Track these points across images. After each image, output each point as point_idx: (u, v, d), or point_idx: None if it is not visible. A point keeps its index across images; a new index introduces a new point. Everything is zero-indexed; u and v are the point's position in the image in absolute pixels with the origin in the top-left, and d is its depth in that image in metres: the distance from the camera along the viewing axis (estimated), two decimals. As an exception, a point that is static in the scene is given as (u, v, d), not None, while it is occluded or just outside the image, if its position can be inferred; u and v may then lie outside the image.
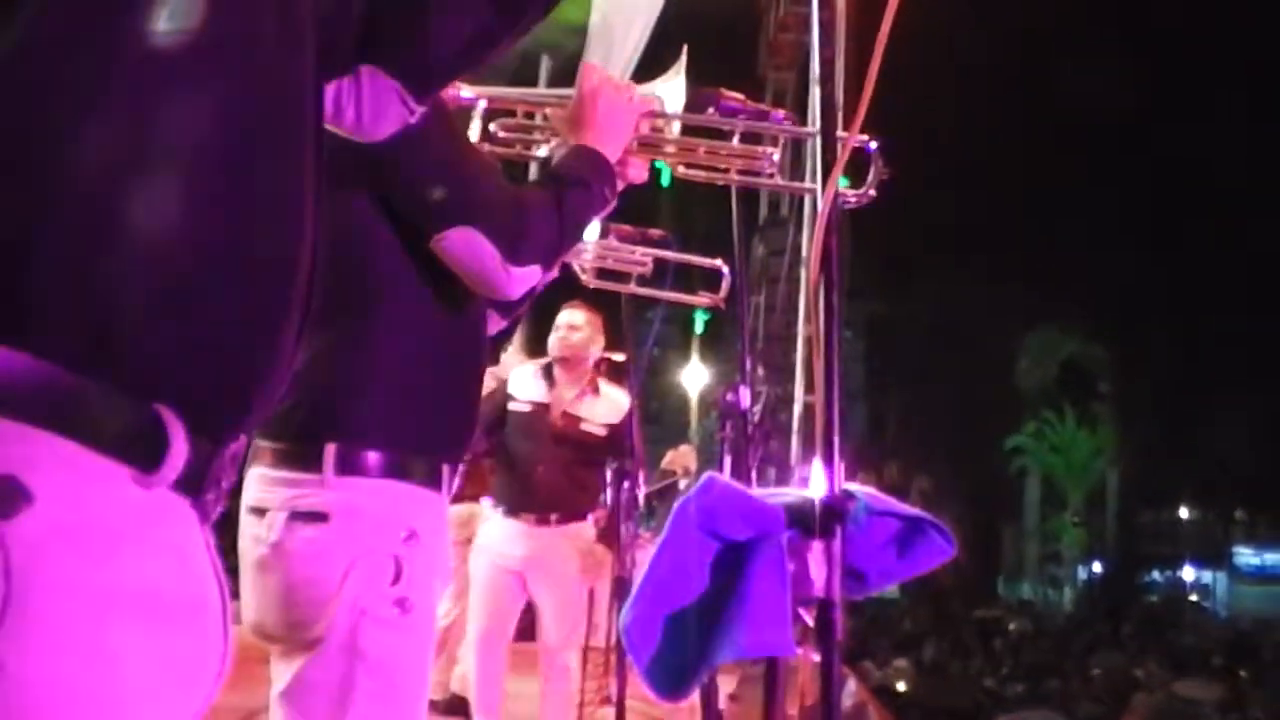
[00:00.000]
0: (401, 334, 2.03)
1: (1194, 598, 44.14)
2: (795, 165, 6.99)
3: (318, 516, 1.91)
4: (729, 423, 2.43)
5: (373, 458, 1.95)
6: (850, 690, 5.55)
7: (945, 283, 36.94)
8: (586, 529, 5.37)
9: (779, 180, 2.30)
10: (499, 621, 5.24)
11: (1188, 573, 45.16)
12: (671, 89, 2.38)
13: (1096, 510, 43.32)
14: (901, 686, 20.00)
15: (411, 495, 1.98)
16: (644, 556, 10.35)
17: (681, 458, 11.95)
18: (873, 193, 2.33)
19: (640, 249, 3.10)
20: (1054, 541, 43.85)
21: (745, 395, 2.41)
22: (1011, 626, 31.41)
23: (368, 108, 1.46)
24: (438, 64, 1.51)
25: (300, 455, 1.93)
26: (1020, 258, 38.55)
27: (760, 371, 12.69)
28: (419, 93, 1.50)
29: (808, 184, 2.34)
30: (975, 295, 36.69)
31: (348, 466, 1.94)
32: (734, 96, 2.45)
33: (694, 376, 26.80)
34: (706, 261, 3.09)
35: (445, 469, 2.05)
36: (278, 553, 1.91)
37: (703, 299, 3.08)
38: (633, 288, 3.15)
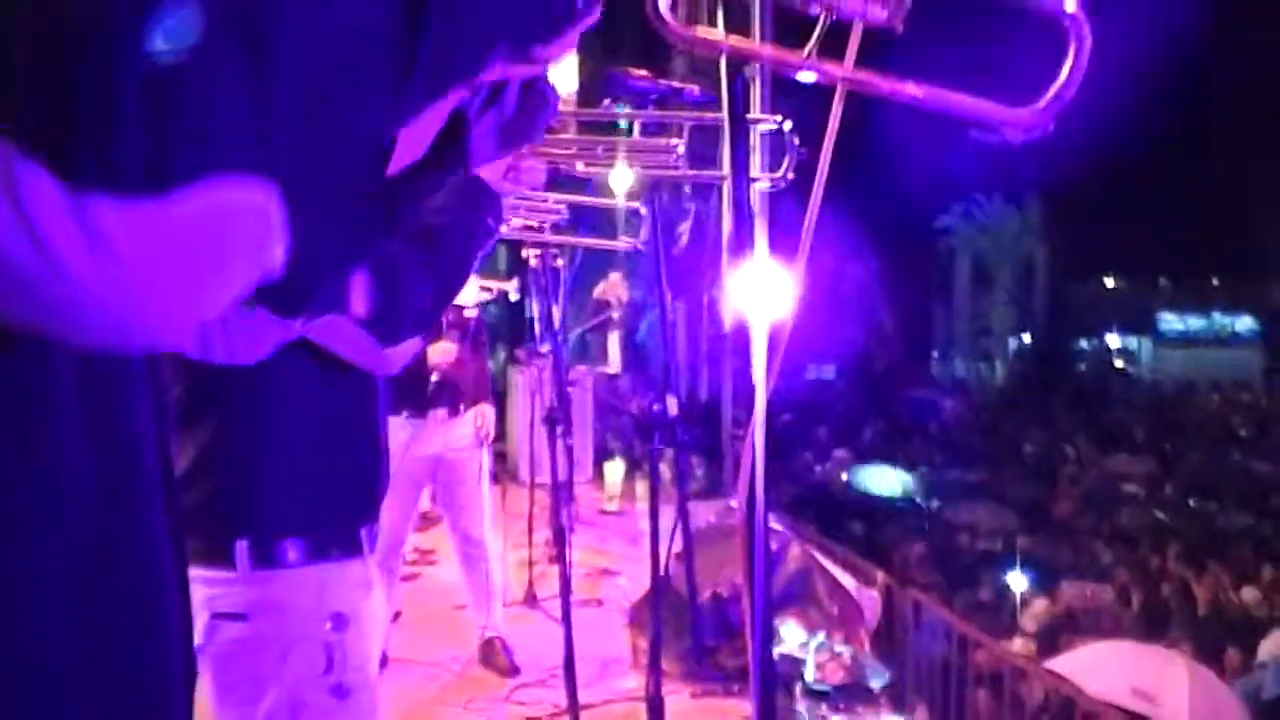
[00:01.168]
0: (290, 415, 1.91)
1: (1120, 364, 45.36)
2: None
3: (237, 616, 1.85)
4: (658, 434, 2.34)
5: (286, 547, 1.88)
6: (794, 554, 5.66)
7: (866, 66, 36.53)
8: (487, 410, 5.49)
9: (687, 171, 2.19)
10: (405, 524, 5.28)
11: (1113, 340, 46.25)
12: (562, 73, 2.23)
13: (1025, 286, 43.96)
14: (844, 478, 20.54)
15: (333, 576, 1.91)
16: (579, 388, 10.43)
17: (613, 287, 11.93)
18: (790, 175, 2.25)
19: (553, 196, 2.97)
20: (984, 318, 44.58)
21: (673, 405, 2.33)
22: (947, 407, 32.18)
23: (240, 337, 1.26)
24: (307, 281, 1.14)
25: (213, 553, 1.84)
26: (945, 46, 38.10)
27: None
28: (289, 314, 1.27)
29: (720, 171, 2.24)
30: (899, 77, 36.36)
31: (262, 560, 1.86)
32: (642, 75, 2.32)
33: (620, 178, 26.46)
34: (625, 204, 2.98)
35: (363, 531, 1.99)
36: (202, 656, 1.84)
37: (622, 243, 3.00)
38: (547, 236, 3.02)
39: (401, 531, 5.24)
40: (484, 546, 5.48)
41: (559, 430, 3.99)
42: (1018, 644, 9.32)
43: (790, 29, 1.16)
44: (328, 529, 1.92)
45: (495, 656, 5.47)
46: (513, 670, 5.42)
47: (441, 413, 5.28)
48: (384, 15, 0.73)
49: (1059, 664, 8.22)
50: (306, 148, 0.71)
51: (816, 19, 1.13)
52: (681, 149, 2.15)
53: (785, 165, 2.26)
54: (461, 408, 5.38)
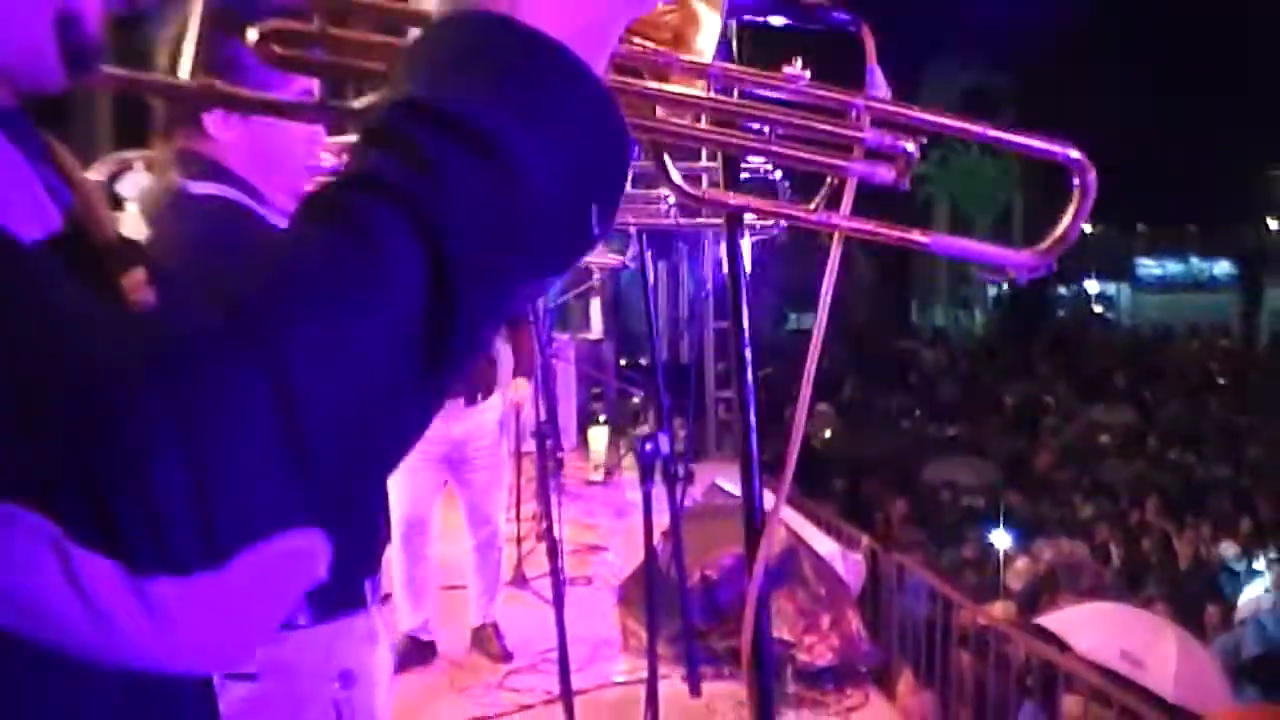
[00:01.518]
0: None
1: (1099, 309, 45.54)
2: None
3: (246, 675, 1.88)
4: (651, 476, 2.35)
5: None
6: (780, 535, 5.70)
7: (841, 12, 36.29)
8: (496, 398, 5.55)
9: (679, 220, 2.20)
10: (428, 506, 5.31)
11: (1092, 286, 46.39)
12: None
13: (1003, 232, 43.98)
14: (827, 434, 20.61)
15: (340, 633, 1.95)
16: (562, 359, 10.40)
17: (595, 253, 11.95)
18: (783, 224, 2.28)
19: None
20: (963, 265, 44.61)
21: (665, 443, 2.34)
22: (927, 357, 32.29)
23: None
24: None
25: None
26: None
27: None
28: None
29: (711, 220, 2.24)
30: (873, 25, 36.14)
31: None
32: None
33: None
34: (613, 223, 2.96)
35: (367, 584, 2.01)
36: None
37: (611, 260, 3.00)
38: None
39: (425, 512, 5.28)
40: (499, 534, 5.57)
41: (548, 444, 4.02)
42: (999, 608, 9.42)
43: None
44: (333, 587, 1.95)
45: (488, 643, 5.53)
46: (505, 656, 5.48)
47: (459, 402, 5.26)
48: (410, 324, 0.74)
49: (1049, 621, 8.33)
50: (346, 471, 0.73)
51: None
52: (673, 199, 2.17)
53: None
54: (479, 397, 5.37)
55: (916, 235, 1.14)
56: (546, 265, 0.86)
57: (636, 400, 13.55)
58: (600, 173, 0.86)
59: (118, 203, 2.65)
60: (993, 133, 1.13)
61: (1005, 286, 47.21)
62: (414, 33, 1.00)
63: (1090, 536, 13.07)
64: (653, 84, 1.03)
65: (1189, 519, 13.39)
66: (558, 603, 4.05)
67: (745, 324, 1.36)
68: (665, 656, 5.29)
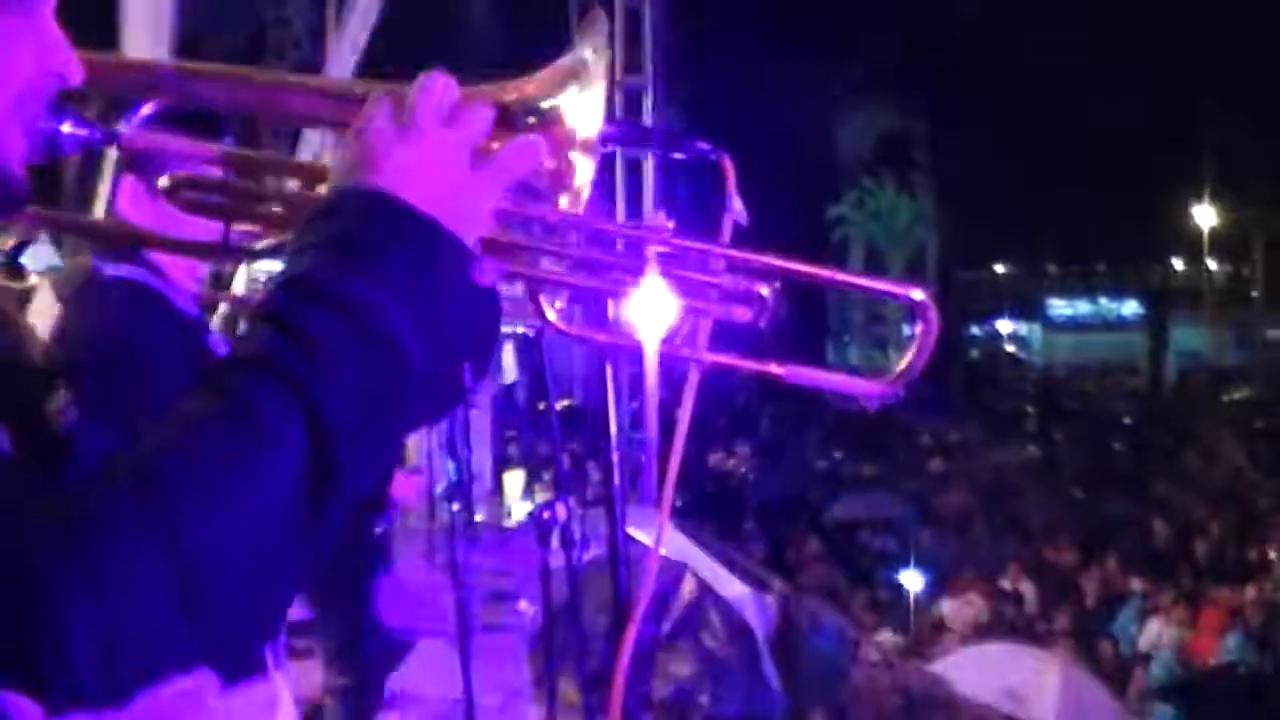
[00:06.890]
0: None
1: (1010, 348, 46.32)
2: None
3: None
4: (548, 542, 2.39)
5: None
6: (688, 587, 5.77)
7: (759, 59, 36.76)
8: None
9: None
10: None
11: (1004, 325, 47.19)
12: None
13: (918, 273, 44.62)
14: (744, 472, 20.72)
15: (238, 702, 1.94)
16: (478, 409, 10.36)
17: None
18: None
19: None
20: (878, 305, 45.13)
21: (561, 511, 2.38)
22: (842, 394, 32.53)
23: None
24: None
25: None
26: (835, 34, 38.34)
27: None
28: None
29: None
30: (791, 71, 36.64)
31: None
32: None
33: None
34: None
35: (268, 650, 2.01)
36: None
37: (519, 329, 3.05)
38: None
39: None
40: None
41: (456, 508, 4.05)
42: (886, 638, 9.75)
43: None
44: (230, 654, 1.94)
45: None
46: None
47: None
48: (294, 489, 0.84)
49: (938, 666, 8.52)
50: (239, 618, 0.87)
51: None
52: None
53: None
54: None
55: (773, 367, 1.21)
56: (421, 418, 0.95)
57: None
58: (472, 335, 0.97)
59: (20, 274, 2.65)
60: (841, 276, 1.21)
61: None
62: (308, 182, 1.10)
63: (1000, 574, 13.27)
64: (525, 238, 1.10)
65: (1097, 557, 13.60)
66: (464, 656, 4.05)
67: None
68: (576, 705, 5.30)
